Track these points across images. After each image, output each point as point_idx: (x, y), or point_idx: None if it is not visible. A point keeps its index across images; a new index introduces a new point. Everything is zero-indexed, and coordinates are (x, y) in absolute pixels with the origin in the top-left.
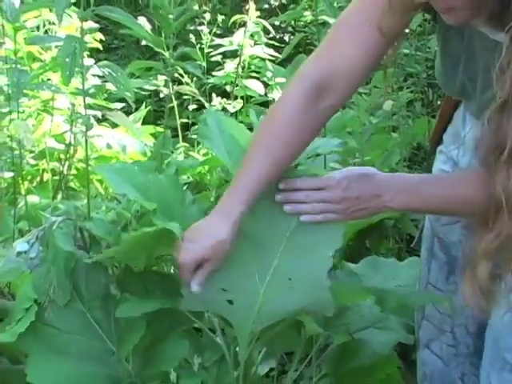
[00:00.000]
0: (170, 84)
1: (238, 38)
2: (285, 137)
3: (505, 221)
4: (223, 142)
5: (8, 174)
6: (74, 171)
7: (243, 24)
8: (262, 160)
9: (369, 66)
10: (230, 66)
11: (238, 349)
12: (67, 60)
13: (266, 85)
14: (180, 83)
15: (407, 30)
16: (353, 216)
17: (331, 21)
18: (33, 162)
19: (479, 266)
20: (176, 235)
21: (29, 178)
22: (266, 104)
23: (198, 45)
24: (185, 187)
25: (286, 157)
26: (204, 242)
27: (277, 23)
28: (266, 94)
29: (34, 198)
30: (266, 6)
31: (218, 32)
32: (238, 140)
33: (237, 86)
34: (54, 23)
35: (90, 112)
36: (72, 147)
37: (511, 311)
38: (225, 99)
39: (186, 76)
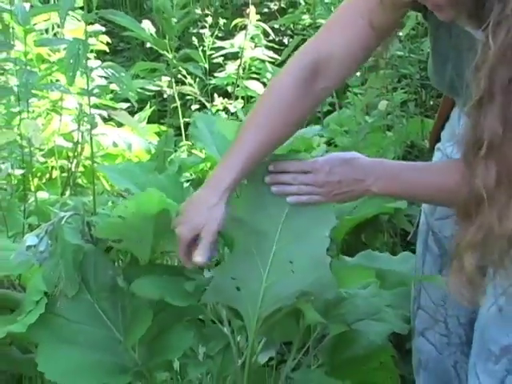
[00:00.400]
0: (174, 85)
1: (239, 40)
2: (279, 113)
3: (486, 214)
4: (213, 142)
5: (18, 171)
6: (81, 168)
7: (244, 27)
8: (254, 137)
9: (361, 57)
10: (231, 67)
11: (239, 338)
12: (71, 62)
13: (265, 85)
14: (183, 84)
15: (401, 34)
16: (336, 199)
17: None
18: (42, 159)
19: (465, 258)
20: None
21: (38, 174)
22: None
23: (201, 47)
24: (188, 184)
25: (278, 134)
26: (197, 213)
27: (276, 26)
28: None
29: (43, 194)
30: (266, 9)
31: (220, 35)
32: (229, 136)
33: (238, 86)
34: (61, 26)
35: (96, 112)
36: (79, 145)
37: (497, 304)
38: (226, 99)
39: (188, 77)
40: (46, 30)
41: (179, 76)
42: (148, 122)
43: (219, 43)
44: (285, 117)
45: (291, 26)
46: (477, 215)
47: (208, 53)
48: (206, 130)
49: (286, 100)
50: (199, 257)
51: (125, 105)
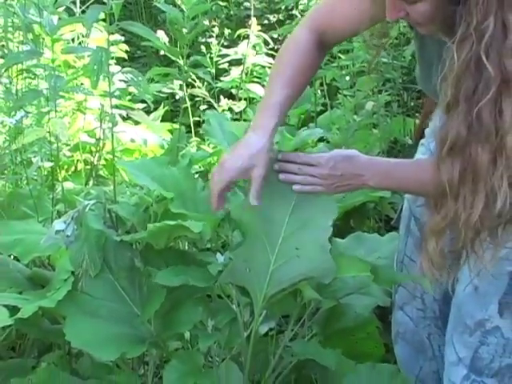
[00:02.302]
0: (185, 87)
1: (242, 48)
2: (299, 65)
3: (449, 206)
4: (224, 138)
5: (47, 164)
6: (103, 161)
7: (247, 37)
8: (282, 84)
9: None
10: (236, 72)
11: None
12: (95, 67)
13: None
14: (193, 87)
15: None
16: (337, 190)
17: None
18: (68, 153)
19: (429, 242)
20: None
21: (65, 167)
22: None
23: (208, 54)
24: (197, 176)
25: (301, 83)
26: (243, 153)
27: (275, 36)
28: None
29: (69, 185)
30: (266, 21)
31: (225, 43)
32: (238, 135)
33: (241, 89)
34: (86, 36)
35: (117, 111)
36: (101, 141)
37: (472, 283)
38: (231, 100)
39: (198, 81)
40: (72, 40)
41: (189, 80)
42: (162, 121)
43: (225, 51)
44: (303, 69)
45: (288, 35)
46: (441, 207)
47: (215, 59)
48: (217, 127)
49: (303, 57)
50: (255, 199)
51: (141, 105)
